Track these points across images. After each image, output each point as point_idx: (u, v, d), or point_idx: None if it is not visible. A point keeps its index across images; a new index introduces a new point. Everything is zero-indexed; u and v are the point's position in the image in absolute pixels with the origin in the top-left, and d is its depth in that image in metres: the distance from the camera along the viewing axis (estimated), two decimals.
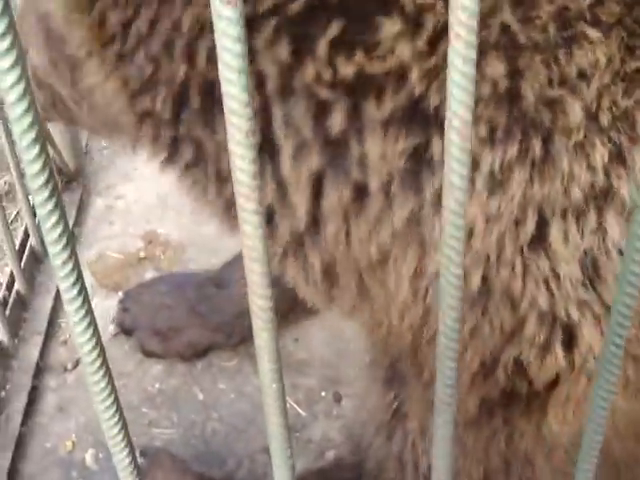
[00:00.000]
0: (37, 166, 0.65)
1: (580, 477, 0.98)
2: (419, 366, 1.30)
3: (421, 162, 1.10)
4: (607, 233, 1.07)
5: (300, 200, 1.17)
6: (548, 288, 1.11)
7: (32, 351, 2.21)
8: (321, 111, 1.11)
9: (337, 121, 1.11)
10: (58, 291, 0.79)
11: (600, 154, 1.04)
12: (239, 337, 2.11)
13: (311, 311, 2.17)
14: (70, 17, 1.20)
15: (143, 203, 2.55)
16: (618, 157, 1.05)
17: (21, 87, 0.61)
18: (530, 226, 1.09)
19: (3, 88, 0.61)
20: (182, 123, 1.21)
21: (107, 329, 2.23)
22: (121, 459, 0.91)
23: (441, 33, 1.04)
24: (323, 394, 2.12)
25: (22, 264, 2.29)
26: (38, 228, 2.25)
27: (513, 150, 1.06)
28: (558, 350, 1.15)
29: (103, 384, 0.84)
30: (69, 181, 2.55)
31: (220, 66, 0.62)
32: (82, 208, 2.54)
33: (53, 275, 0.77)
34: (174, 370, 2.17)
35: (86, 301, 0.77)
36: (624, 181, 1.05)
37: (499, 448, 1.33)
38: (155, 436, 2.07)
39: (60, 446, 2.06)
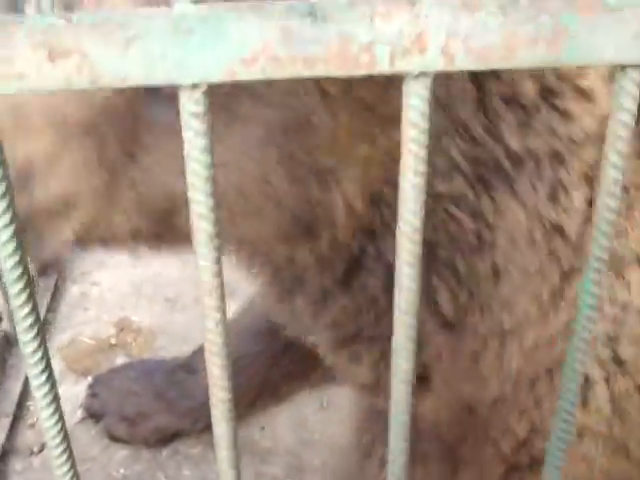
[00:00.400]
0: (12, 261, 0.70)
1: None
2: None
3: None
4: None
5: None
6: None
7: None
8: None
9: None
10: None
11: None
12: (205, 423, 2.13)
13: (279, 397, 2.21)
14: None
15: (117, 290, 2.60)
16: None
17: None
18: None
19: None
20: None
21: (75, 413, 2.25)
22: None
23: None
24: None
25: None
26: (11, 314, 2.28)
27: None
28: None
29: (65, 468, 0.88)
30: (44, 267, 2.58)
31: (188, 174, 0.68)
32: (57, 294, 2.58)
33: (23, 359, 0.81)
34: (139, 456, 2.18)
35: (54, 388, 0.81)
36: None
37: None
38: None
39: None
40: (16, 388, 2.30)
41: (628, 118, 0.67)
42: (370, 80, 0.72)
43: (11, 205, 0.68)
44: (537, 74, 1.10)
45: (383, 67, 0.62)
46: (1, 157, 0.67)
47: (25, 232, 1.07)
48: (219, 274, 0.72)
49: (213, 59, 0.63)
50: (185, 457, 2.18)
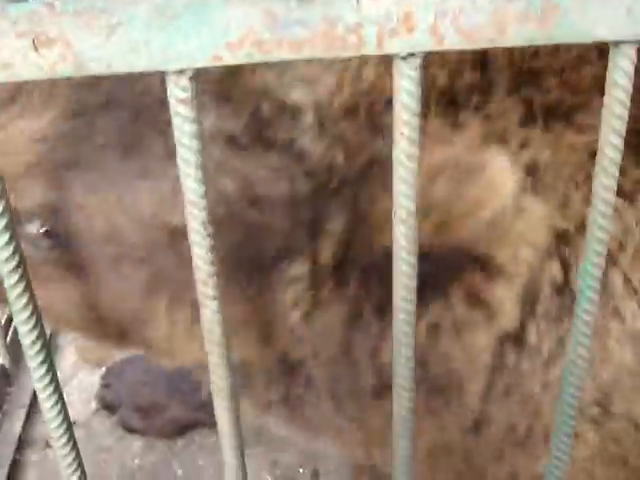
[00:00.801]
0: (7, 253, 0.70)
1: None
2: None
3: None
4: None
5: None
6: None
7: (15, 425, 2.23)
8: None
9: None
10: None
11: None
12: None
13: None
14: None
15: None
16: None
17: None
18: None
19: None
20: None
21: (90, 404, 2.25)
22: None
23: None
24: (301, 470, 2.13)
25: (7, 340, 2.32)
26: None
27: None
28: None
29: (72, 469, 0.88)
30: None
31: (178, 161, 0.67)
32: None
33: None
34: (154, 446, 2.19)
35: (58, 389, 0.81)
36: None
37: None
38: None
39: None
40: (31, 380, 2.30)
41: (623, 95, 0.66)
42: None
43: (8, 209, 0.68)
44: None
45: (370, 48, 0.61)
46: None
47: None
48: (213, 263, 0.71)
49: (198, 44, 0.62)
50: (200, 447, 2.18)
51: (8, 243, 0.69)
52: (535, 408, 1.15)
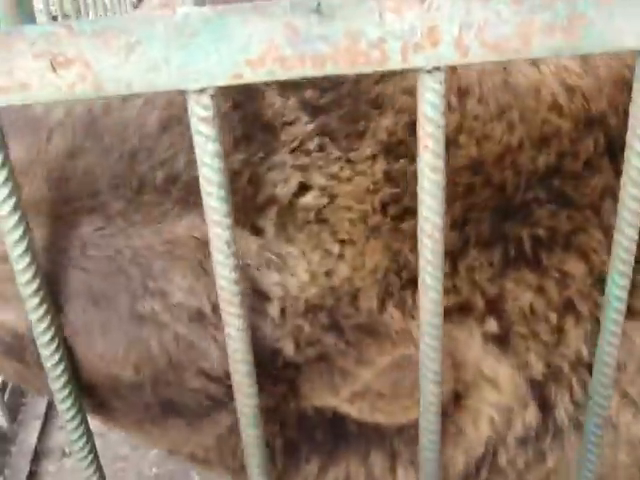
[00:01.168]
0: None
1: None
2: None
3: None
4: None
5: None
6: None
7: (31, 435, 2.23)
8: None
9: None
10: None
11: None
12: None
13: None
14: None
15: None
16: None
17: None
18: None
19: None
20: None
21: None
22: None
23: None
24: None
25: None
26: None
27: None
28: None
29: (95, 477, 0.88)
30: None
31: (201, 180, 0.66)
32: None
33: None
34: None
35: (78, 402, 0.80)
36: None
37: None
38: None
39: None
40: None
41: None
42: None
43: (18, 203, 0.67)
44: None
45: (395, 63, 0.60)
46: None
47: None
48: (237, 282, 0.70)
49: (218, 62, 0.61)
50: None
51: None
52: None
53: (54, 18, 2.75)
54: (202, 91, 0.62)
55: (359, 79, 0.94)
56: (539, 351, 1.01)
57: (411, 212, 0.89)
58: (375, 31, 0.59)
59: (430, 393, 0.79)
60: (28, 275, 0.72)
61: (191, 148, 0.66)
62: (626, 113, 0.67)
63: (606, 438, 1.06)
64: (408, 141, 0.92)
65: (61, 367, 0.80)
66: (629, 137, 0.66)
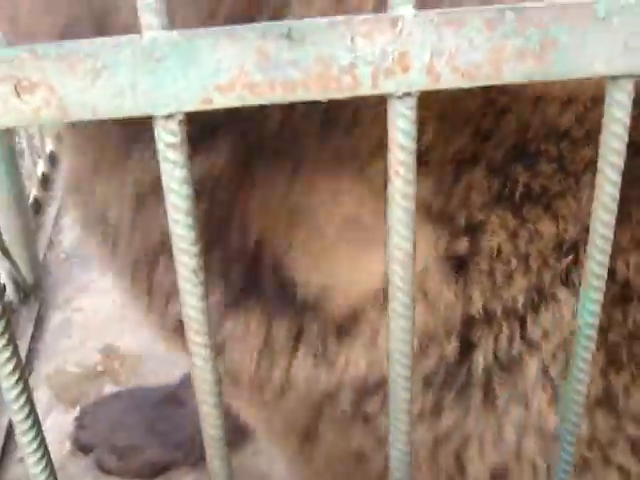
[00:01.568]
0: None
1: None
2: None
3: None
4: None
5: None
6: None
7: None
8: None
9: None
10: None
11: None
12: (198, 455, 2.08)
13: None
14: None
15: (101, 316, 2.55)
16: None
17: None
18: None
19: None
20: None
21: (64, 444, 2.21)
22: None
23: None
24: None
25: None
26: None
27: None
28: None
29: None
30: (27, 295, 2.56)
31: (167, 207, 0.65)
32: (40, 322, 2.53)
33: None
34: None
35: (39, 434, 0.78)
36: None
37: None
38: None
39: None
40: (3, 423, 2.26)
41: (621, 130, 0.65)
42: None
43: None
44: None
45: (365, 89, 0.60)
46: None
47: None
48: (205, 312, 0.68)
49: (187, 87, 0.60)
50: None
51: None
52: None
53: None
54: (170, 117, 0.61)
55: None
56: (485, 290, 1.02)
57: None
58: (346, 56, 0.58)
59: (401, 422, 0.77)
60: None
61: None
62: None
63: (515, 418, 1.06)
64: None
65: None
66: (600, 163, 0.66)
